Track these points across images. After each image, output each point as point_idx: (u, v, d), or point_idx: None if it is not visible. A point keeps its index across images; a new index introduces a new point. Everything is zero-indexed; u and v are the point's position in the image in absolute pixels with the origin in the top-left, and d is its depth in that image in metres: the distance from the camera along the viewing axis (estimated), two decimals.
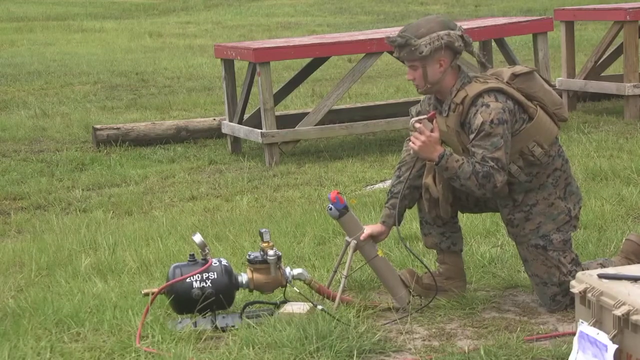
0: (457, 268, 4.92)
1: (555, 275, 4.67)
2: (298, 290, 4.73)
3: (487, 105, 4.49)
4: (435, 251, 5.07)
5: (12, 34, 23.52)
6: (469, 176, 4.49)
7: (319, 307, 4.51)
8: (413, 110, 4.88)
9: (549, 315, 4.66)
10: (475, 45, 4.57)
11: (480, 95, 4.53)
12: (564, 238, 4.69)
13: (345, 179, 8.82)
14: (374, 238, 4.79)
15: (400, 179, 4.85)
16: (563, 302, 4.68)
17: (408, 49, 4.54)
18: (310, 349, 4.15)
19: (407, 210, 4.90)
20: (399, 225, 4.84)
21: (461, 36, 4.57)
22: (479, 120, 4.48)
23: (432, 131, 4.57)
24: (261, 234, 4.72)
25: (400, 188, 4.82)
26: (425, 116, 4.63)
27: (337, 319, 4.36)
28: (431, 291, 4.84)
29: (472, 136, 4.52)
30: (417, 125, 4.58)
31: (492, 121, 4.46)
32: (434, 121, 4.61)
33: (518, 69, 4.68)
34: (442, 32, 4.53)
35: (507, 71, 4.69)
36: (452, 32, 4.55)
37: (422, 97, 4.89)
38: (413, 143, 4.59)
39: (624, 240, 5.08)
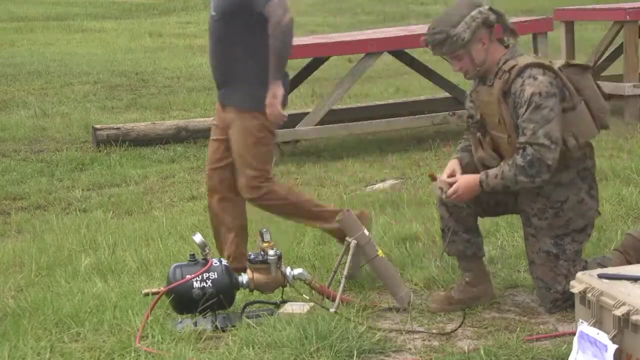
0: (482, 272, 4.86)
1: (561, 284, 4.63)
2: (298, 290, 4.73)
3: (535, 78, 4.44)
4: (451, 259, 5.01)
5: (12, 34, 23.48)
6: (515, 179, 4.46)
7: (319, 307, 4.51)
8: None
9: (549, 315, 4.66)
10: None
11: (529, 66, 4.47)
12: (577, 249, 4.67)
13: (345, 179, 8.80)
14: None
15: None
16: (563, 306, 4.67)
17: (449, 41, 4.51)
18: (310, 349, 4.14)
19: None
20: None
21: (490, 9, 4.56)
22: (528, 92, 4.41)
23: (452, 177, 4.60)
24: (261, 234, 4.72)
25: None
26: (436, 182, 4.67)
27: (337, 319, 4.36)
28: (463, 304, 4.73)
29: (521, 110, 4.44)
30: (440, 192, 4.64)
31: (540, 93, 4.40)
32: (441, 175, 4.65)
33: (574, 61, 4.61)
34: (473, 12, 4.51)
35: (560, 61, 4.64)
36: (481, 8, 4.53)
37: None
38: (458, 200, 4.61)
39: (624, 235, 5.06)
